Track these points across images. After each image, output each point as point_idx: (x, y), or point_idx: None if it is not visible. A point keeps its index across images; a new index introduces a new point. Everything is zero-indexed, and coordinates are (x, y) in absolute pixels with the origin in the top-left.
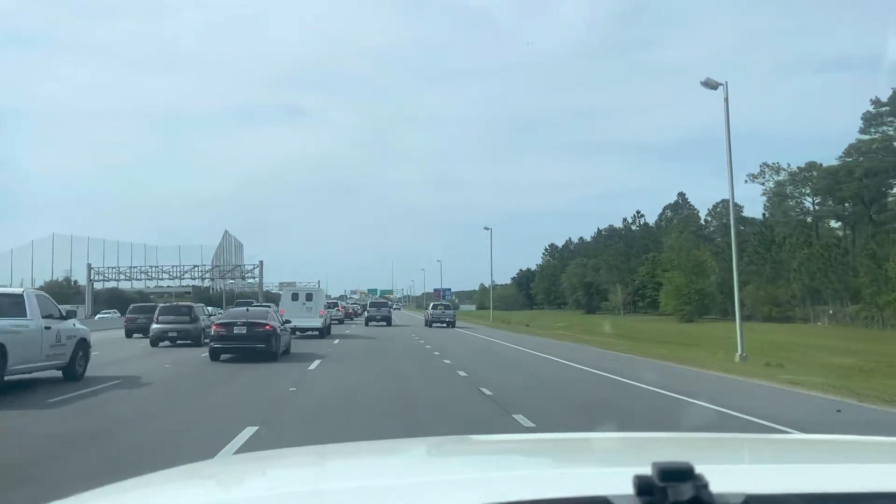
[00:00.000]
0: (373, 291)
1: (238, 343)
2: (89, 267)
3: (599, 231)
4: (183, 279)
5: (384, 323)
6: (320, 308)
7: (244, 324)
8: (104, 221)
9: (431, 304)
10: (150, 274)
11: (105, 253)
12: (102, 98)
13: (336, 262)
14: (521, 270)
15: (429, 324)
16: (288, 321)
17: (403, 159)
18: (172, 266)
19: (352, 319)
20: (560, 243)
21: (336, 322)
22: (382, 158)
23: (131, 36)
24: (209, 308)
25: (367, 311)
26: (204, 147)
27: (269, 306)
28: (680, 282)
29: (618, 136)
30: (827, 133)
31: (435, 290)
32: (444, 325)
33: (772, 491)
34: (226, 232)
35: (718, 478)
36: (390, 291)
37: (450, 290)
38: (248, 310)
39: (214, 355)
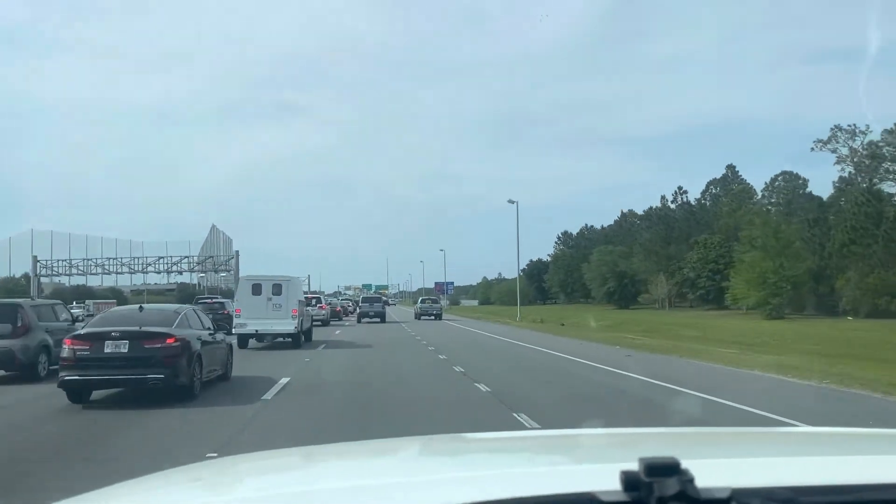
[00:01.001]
0: (367, 287)
1: (114, 372)
2: (35, 260)
3: (623, 214)
4: (160, 273)
5: (378, 319)
6: (293, 306)
7: (124, 336)
8: (92, 219)
9: (420, 299)
10: (106, 268)
11: (88, 249)
12: (90, 95)
13: (330, 259)
14: (531, 261)
15: (418, 316)
16: (243, 323)
17: (397, 155)
18: (134, 258)
19: (340, 319)
20: (561, 235)
21: (318, 324)
22: (375, 154)
23: (119, 33)
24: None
25: (360, 307)
26: (194, 144)
27: (217, 299)
28: (766, 267)
29: (613, 129)
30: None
31: (436, 283)
32: (433, 317)
33: (758, 484)
34: (213, 226)
35: (704, 472)
36: (385, 287)
37: (452, 283)
38: (140, 309)
39: (73, 395)
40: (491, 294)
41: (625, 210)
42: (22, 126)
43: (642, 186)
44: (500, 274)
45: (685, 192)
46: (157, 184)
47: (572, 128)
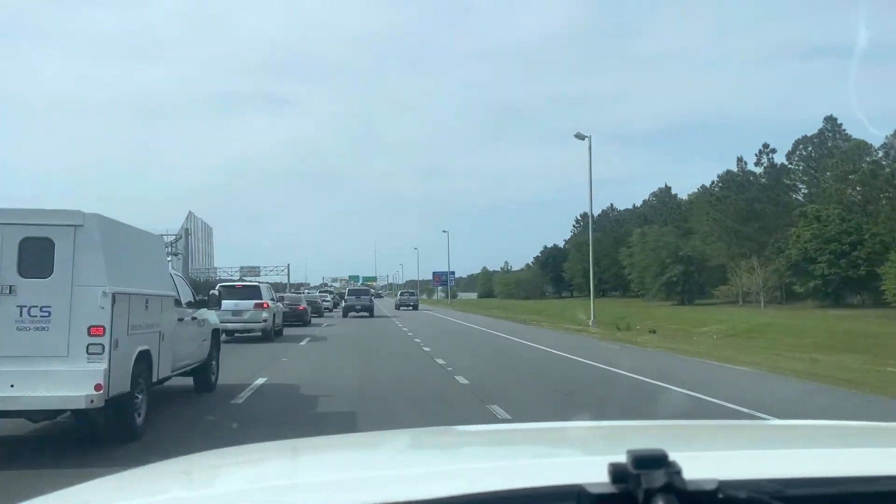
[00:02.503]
0: (354, 278)
1: None
2: None
3: (667, 188)
4: None
5: (365, 313)
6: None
7: None
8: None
9: (400, 292)
10: None
11: None
12: (79, 87)
13: (319, 251)
14: (545, 248)
15: (397, 307)
16: None
17: (387, 147)
18: None
19: (304, 321)
20: (558, 231)
21: (258, 330)
22: (366, 146)
23: (108, 24)
24: None
25: (346, 300)
26: (184, 136)
27: None
28: None
29: (604, 123)
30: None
31: (434, 273)
32: (410, 307)
33: (745, 476)
34: (190, 213)
35: (692, 464)
36: (374, 279)
37: (454, 273)
38: None
39: None
40: (495, 286)
41: (662, 187)
42: (8, 118)
43: (639, 180)
44: (506, 263)
45: (772, 150)
46: (142, 175)
47: (563, 121)
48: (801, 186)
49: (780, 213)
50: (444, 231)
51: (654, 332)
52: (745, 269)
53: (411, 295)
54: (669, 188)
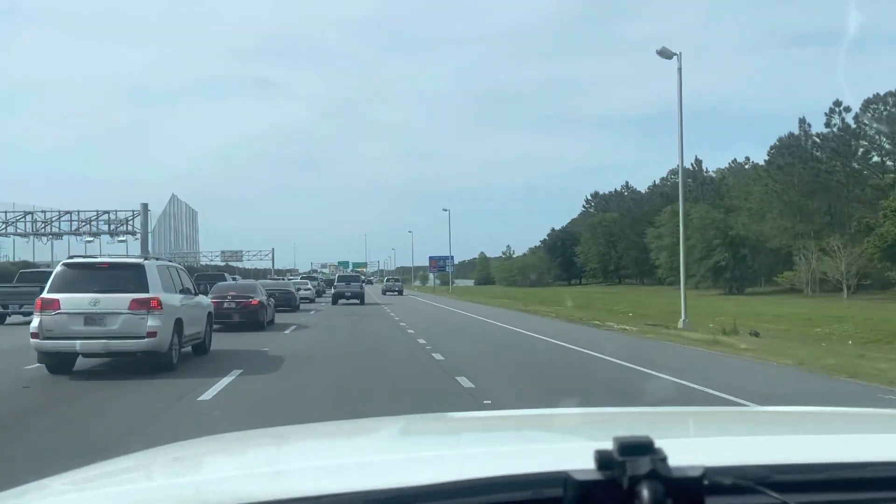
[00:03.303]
0: (343, 264)
1: None
2: None
3: (698, 161)
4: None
5: (356, 301)
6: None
7: None
8: (63, 194)
9: (386, 278)
10: None
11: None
12: (63, 69)
13: (309, 237)
14: (553, 230)
15: (384, 292)
16: None
17: (375, 133)
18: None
19: (261, 323)
20: (590, 197)
21: (133, 351)
22: (353, 132)
23: (95, 6)
24: None
25: (335, 287)
26: (169, 120)
27: None
28: None
29: (592, 109)
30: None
31: (431, 258)
32: (395, 292)
33: (731, 462)
34: (173, 196)
35: (677, 451)
36: (364, 265)
37: (452, 258)
38: None
39: None
40: (494, 273)
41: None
42: None
43: (635, 165)
44: (508, 247)
45: (845, 109)
46: (127, 160)
47: (553, 106)
48: (885, 147)
49: (856, 183)
50: (444, 209)
51: (756, 334)
52: (816, 250)
53: (396, 281)
54: (700, 161)
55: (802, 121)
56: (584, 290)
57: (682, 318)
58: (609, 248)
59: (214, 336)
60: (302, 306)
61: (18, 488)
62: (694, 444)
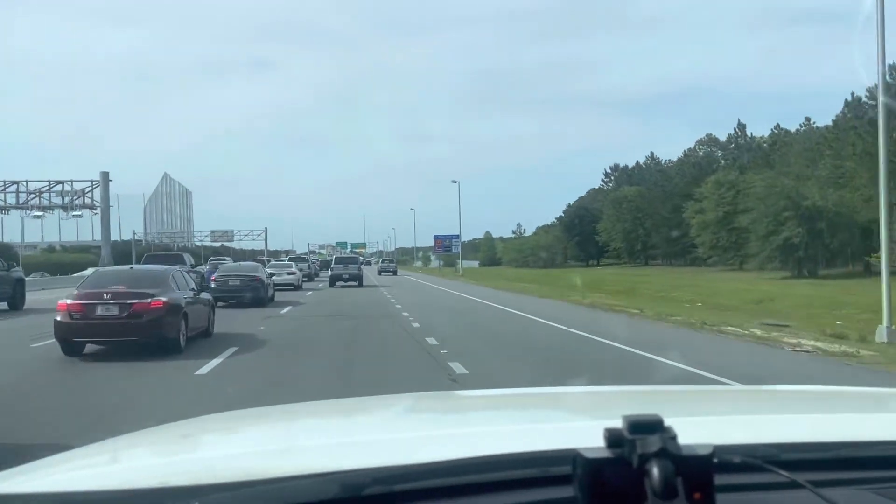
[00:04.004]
0: (342, 245)
1: None
2: None
3: (741, 125)
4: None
5: (354, 283)
6: None
7: None
8: (55, 175)
9: (381, 259)
10: None
11: None
12: (62, 49)
13: (306, 218)
14: (568, 205)
15: (380, 272)
16: None
17: (375, 113)
18: None
19: (263, 304)
20: (610, 170)
21: None
22: (352, 112)
23: None
24: None
25: (332, 269)
26: (167, 100)
27: None
28: None
29: (592, 89)
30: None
31: (436, 238)
32: (390, 272)
33: (740, 441)
34: (165, 175)
35: (687, 429)
36: (363, 245)
37: (458, 237)
38: None
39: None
40: (503, 253)
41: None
42: None
43: (635, 147)
44: (519, 226)
45: None
46: (125, 141)
47: (553, 87)
48: None
49: None
50: (453, 181)
51: None
52: None
53: (390, 262)
54: (744, 126)
55: None
56: (613, 273)
57: (885, 324)
58: (636, 226)
59: None
60: (285, 295)
61: (31, 463)
62: (703, 423)
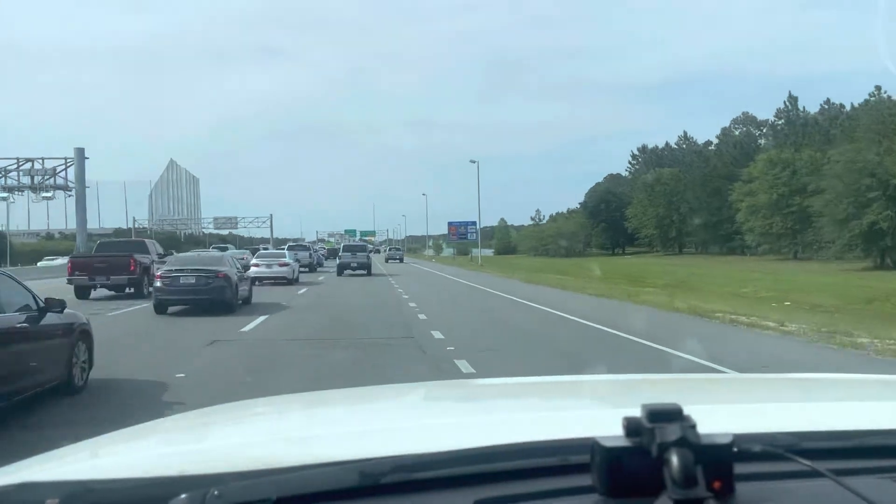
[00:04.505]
0: (350, 233)
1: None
2: None
3: (792, 98)
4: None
5: (363, 272)
6: None
7: None
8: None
9: (388, 248)
10: None
11: None
12: (70, 38)
13: (316, 206)
14: (592, 190)
15: (387, 259)
16: None
17: (385, 100)
18: None
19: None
20: (637, 152)
21: None
22: (362, 99)
23: None
24: None
25: (340, 258)
26: (175, 88)
27: None
28: None
29: (606, 75)
30: None
31: (451, 224)
32: (397, 260)
33: (760, 430)
34: (171, 162)
35: (707, 418)
36: (372, 233)
37: (474, 223)
38: None
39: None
40: (520, 240)
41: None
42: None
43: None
44: (538, 212)
45: None
46: (135, 128)
47: (562, 73)
48: None
49: None
50: (472, 161)
51: None
52: None
53: (397, 250)
54: (796, 99)
55: None
56: (648, 262)
57: None
58: (670, 211)
59: None
60: (272, 293)
61: (52, 452)
62: (722, 412)
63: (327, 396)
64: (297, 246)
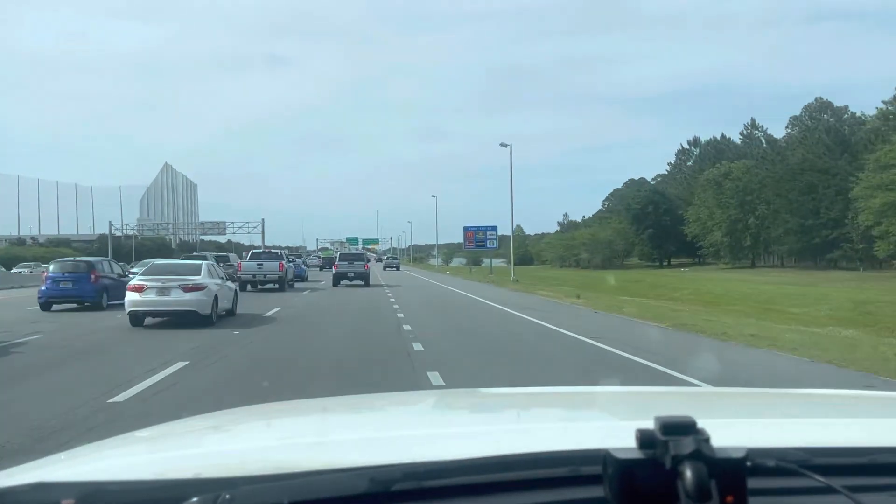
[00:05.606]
0: (352, 241)
1: None
2: None
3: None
4: None
5: (360, 282)
6: None
7: None
8: (76, 169)
9: (386, 256)
10: None
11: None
12: (79, 45)
13: (320, 214)
14: (638, 186)
15: (385, 268)
16: None
17: (389, 110)
18: None
19: None
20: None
21: None
22: (368, 108)
23: None
24: None
25: (337, 266)
26: (182, 96)
27: None
28: None
29: (611, 87)
30: None
31: (466, 229)
32: (393, 268)
33: (773, 444)
34: (166, 166)
35: (720, 432)
36: (375, 241)
37: (495, 228)
38: None
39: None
40: (543, 250)
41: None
42: (10, 74)
43: (646, 145)
44: (565, 216)
45: None
46: (138, 135)
47: (568, 84)
48: None
49: None
50: (502, 144)
51: None
52: None
53: (394, 259)
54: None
55: None
56: (729, 279)
57: None
58: (744, 213)
59: None
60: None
61: (67, 452)
62: (736, 425)
63: (340, 402)
64: (263, 253)
